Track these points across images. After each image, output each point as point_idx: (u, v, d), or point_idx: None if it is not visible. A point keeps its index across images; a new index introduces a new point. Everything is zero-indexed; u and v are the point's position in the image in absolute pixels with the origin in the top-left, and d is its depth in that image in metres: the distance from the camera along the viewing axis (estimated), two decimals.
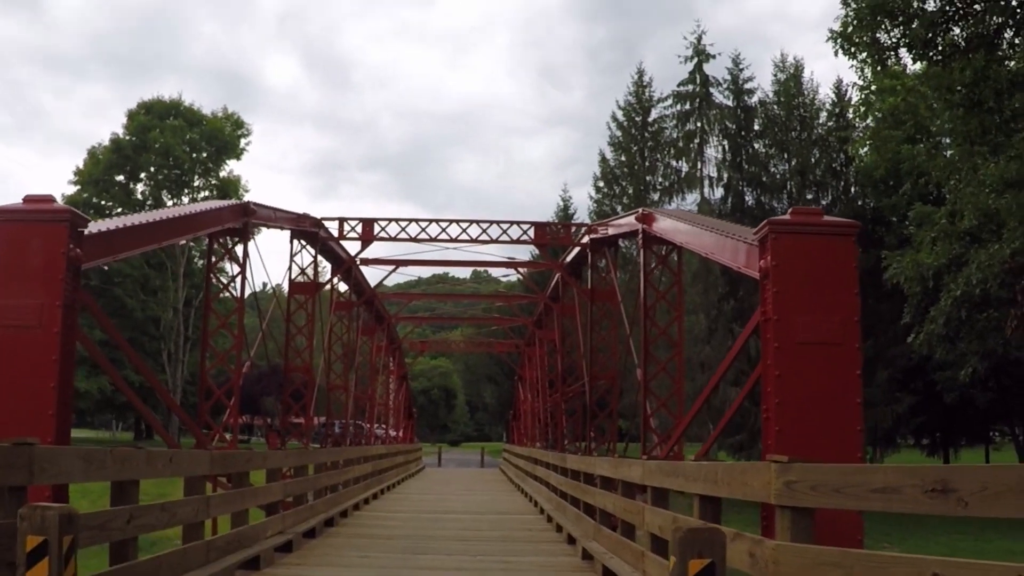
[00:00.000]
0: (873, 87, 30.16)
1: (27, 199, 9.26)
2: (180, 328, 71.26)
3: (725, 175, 50.32)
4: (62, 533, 4.34)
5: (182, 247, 70.44)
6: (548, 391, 38.43)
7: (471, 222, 27.25)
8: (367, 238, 26.73)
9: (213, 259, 18.85)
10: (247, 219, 17.07)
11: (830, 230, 9.05)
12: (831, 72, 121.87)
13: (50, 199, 9.63)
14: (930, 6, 19.70)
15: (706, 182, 50.92)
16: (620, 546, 11.85)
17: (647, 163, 55.68)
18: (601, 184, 58.70)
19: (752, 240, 9.59)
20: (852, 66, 21.72)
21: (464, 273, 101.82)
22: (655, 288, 17.98)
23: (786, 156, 49.69)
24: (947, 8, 19.64)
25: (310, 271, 24.88)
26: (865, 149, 41.11)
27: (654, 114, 56.66)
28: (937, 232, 26.39)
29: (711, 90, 51.40)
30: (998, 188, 23.88)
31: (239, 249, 17.35)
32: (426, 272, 49.43)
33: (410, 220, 27.05)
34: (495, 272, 52.26)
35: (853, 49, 20.76)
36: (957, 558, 5.39)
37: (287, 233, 23.40)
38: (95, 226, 10.23)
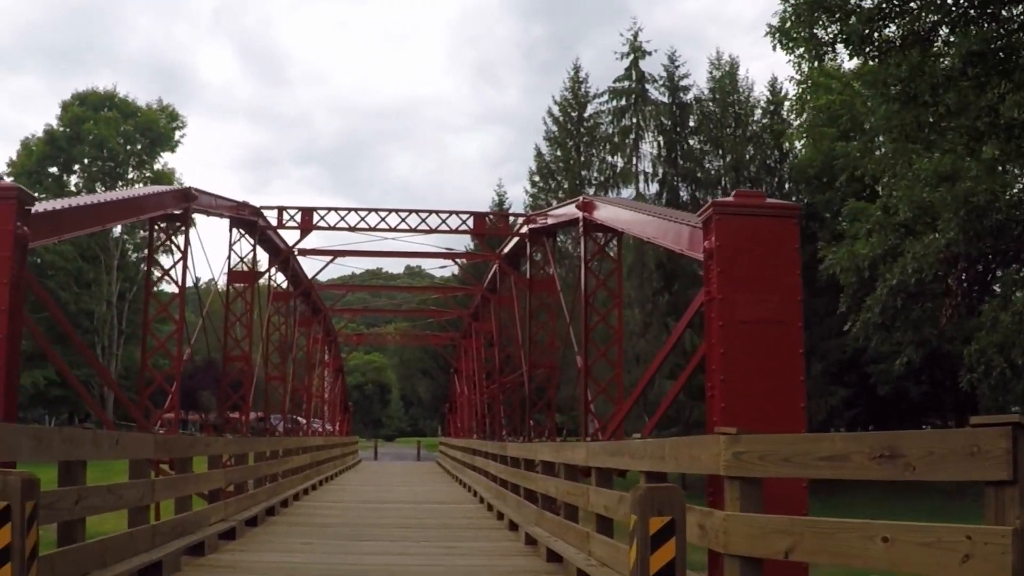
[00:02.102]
0: (809, 82, 30.57)
1: None
2: (114, 322, 70.39)
3: (660, 170, 50.70)
4: (24, 498, 4.34)
5: (116, 240, 69.69)
6: (485, 383, 38.51)
7: (410, 211, 27.30)
8: (306, 227, 26.66)
9: (154, 245, 18.65)
10: (188, 204, 17.03)
11: (772, 211, 9.19)
12: (766, 71, 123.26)
13: None
14: (867, 3, 20.00)
15: (641, 177, 51.35)
16: (564, 529, 11.95)
17: (583, 158, 56.08)
18: (537, 179, 59.04)
19: (696, 222, 9.72)
20: (789, 61, 21.99)
21: (398, 269, 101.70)
22: (595, 275, 18.13)
23: (721, 152, 50.16)
24: (883, 5, 19.94)
25: (249, 260, 24.80)
26: (801, 143, 41.64)
27: (590, 109, 57.19)
28: (872, 224, 26.83)
29: (647, 86, 51.82)
30: (932, 182, 24.38)
31: (180, 236, 17.33)
32: (360, 267, 49.13)
33: (349, 209, 27.10)
34: (428, 267, 52.29)
35: (791, 44, 21.01)
36: (904, 521, 5.54)
37: (224, 224, 23.32)
38: (42, 205, 10.14)
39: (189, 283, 18.12)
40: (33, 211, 9.51)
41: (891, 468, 5.34)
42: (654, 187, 50.71)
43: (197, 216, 18.18)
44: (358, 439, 63.93)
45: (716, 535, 6.62)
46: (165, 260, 18.64)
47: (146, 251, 71.79)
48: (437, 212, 27.50)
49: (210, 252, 29.90)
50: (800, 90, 33.12)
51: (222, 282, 24.40)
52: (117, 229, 71.06)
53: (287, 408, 32.62)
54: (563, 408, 29.99)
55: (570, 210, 18.79)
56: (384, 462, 58.80)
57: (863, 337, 28.18)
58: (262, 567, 11.51)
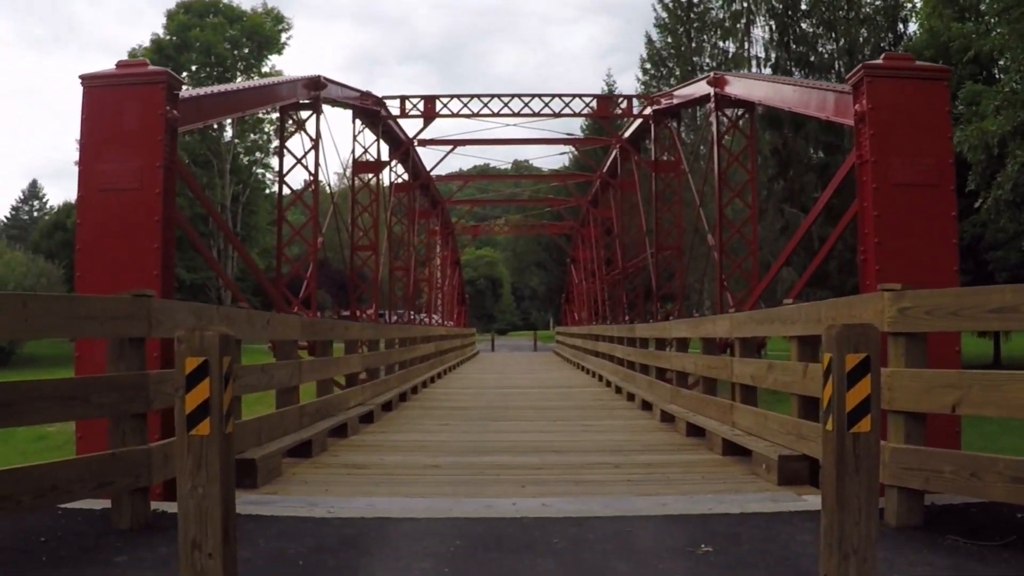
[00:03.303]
0: None
1: (120, 64, 9.21)
2: (228, 225, 71.44)
3: (773, 55, 49.39)
4: (222, 353, 4.44)
5: (227, 144, 70.43)
6: (605, 271, 38.41)
7: (533, 96, 27.08)
8: (429, 115, 26.53)
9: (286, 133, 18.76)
10: (318, 92, 17.24)
11: (923, 74, 8.97)
12: None
13: (144, 63, 9.63)
14: None
15: (753, 63, 50.13)
16: (703, 404, 11.97)
17: (694, 44, 54.99)
18: (648, 67, 58.09)
19: (844, 88, 9.57)
20: None
21: (505, 165, 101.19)
22: (728, 152, 17.89)
23: (834, 35, 48.63)
24: None
25: (373, 151, 24.90)
26: (916, 25, 40.30)
27: None
28: (1001, 101, 25.99)
29: None
30: None
31: (311, 126, 17.64)
32: (467, 165, 49.16)
33: (472, 96, 26.84)
34: (537, 162, 51.89)
35: None
36: None
37: (344, 120, 23.45)
38: (186, 92, 10.25)
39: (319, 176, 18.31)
40: (179, 96, 9.63)
41: None
42: (767, 72, 49.56)
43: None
44: (475, 331, 64.53)
45: (880, 392, 6.57)
46: (287, 157, 18.76)
47: (258, 155, 74.41)
48: (560, 96, 27.13)
49: (329, 148, 30.10)
50: None
51: (345, 175, 24.60)
52: (228, 133, 71.91)
53: (411, 302, 32.88)
54: (688, 302, 29.87)
55: (700, 87, 18.52)
56: (502, 353, 59.30)
57: (994, 213, 27.42)
58: (407, 445, 11.73)
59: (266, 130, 73.75)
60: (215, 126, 74.52)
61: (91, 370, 7.75)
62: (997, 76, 29.07)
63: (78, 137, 9.26)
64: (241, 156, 74.24)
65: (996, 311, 5.71)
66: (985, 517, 6.43)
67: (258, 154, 77.29)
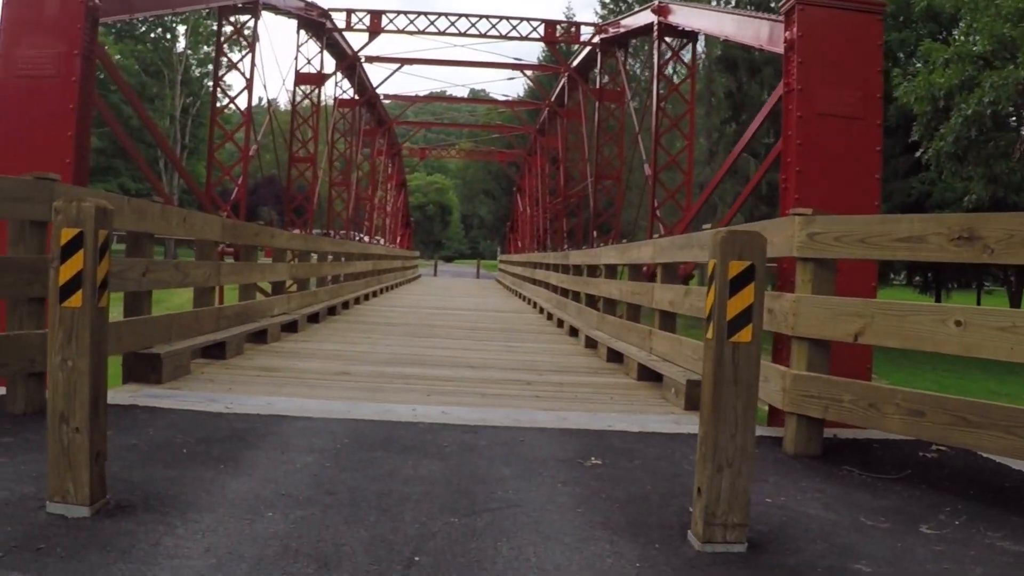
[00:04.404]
0: None
1: None
2: (177, 136, 70.65)
3: None
4: (97, 226, 4.32)
5: (179, 55, 69.44)
6: (548, 200, 38.36)
7: (480, 16, 26.69)
8: (375, 30, 26.23)
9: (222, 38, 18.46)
10: None
11: (856, 6, 8.83)
12: None
13: None
14: None
15: (713, 1, 49.87)
16: (625, 330, 11.96)
17: None
18: (607, 0, 57.75)
19: (776, 17, 9.49)
20: None
21: (462, 92, 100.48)
22: (667, 79, 17.86)
23: None
24: None
25: (316, 62, 24.57)
26: None
27: None
28: (950, 54, 26.04)
29: None
30: (1014, 19, 23.65)
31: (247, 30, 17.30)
32: (424, 89, 48.72)
33: (419, 13, 26.53)
34: (493, 91, 51.62)
35: None
36: (977, 306, 5.44)
37: (289, 31, 23.09)
38: None
39: (256, 81, 18.01)
40: None
41: (969, 250, 5.23)
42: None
43: (262, 24, 18.03)
44: (418, 253, 64.31)
45: (785, 317, 6.55)
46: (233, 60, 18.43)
47: (210, 67, 73.18)
48: (507, 18, 26.81)
49: (273, 61, 29.54)
50: None
51: (289, 85, 24.30)
52: (180, 44, 70.87)
53: (349, 221, 32.64)
54: (627, 232, 29.91)
55: (644, 15, 18.44)
56: (444, 278, 59.25)
57: (934, 165, 27.55)
58: (324, 353, 11.67)
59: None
60: (168, 36, 73.50)
61: None
62: (955, 35, 29.14)
63: None
64: (194, 68, 73.25)
65: (904, 240, 5.66)
66: (886, 453, 6.45)
67: (210, 66, 76.37)
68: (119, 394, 7.28)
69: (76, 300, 4.25)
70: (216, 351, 10.02)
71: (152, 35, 75.79)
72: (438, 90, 62.23)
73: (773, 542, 4.31)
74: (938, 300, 39.31)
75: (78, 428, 4.22)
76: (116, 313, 6.29)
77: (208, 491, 4.70)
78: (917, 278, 47.89)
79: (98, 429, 4.31)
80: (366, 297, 24.01)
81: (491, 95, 68.05)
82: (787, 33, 8.79)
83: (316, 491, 4.80)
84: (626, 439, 6.54)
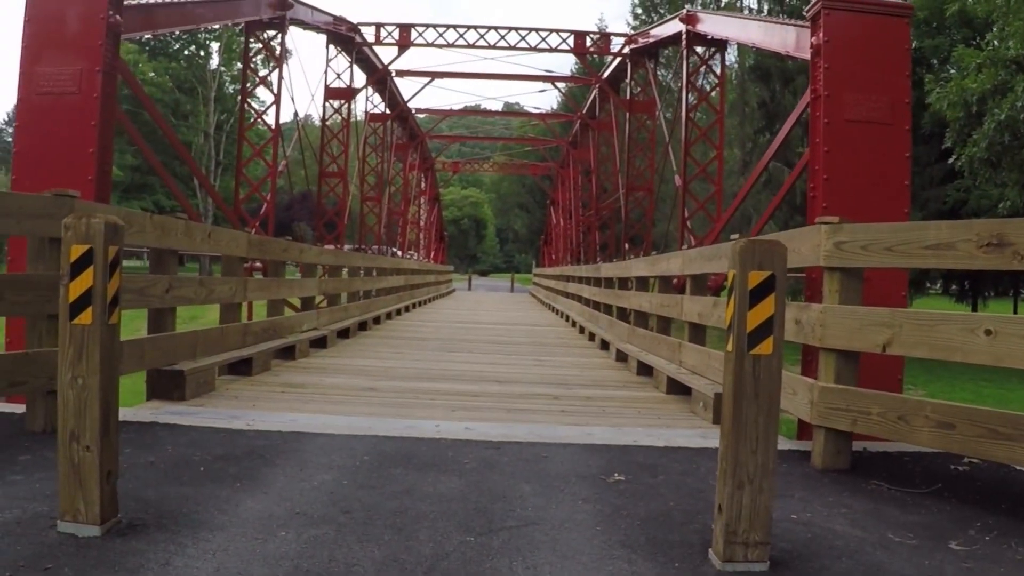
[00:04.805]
0: None
1: None
2: (211, 153, 70.97)
3: (765, 6, 49.05)
4: (107, 243, 4.27)
5: (213, 72, 69.83)
6: (581, 212, 38.30)
7: (510, 29, 26.60)
8: (404, 43, 26.27)
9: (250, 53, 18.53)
10: (284, 12, 16.91)
11: (884, 9, 8.75)
12: None
13: None
14: None
15: (746, 11, 49.70)
16: (655, 343, 11.86)
17: None
18: (639, 11, 57.68)
19: (802, 22, 9.40)
20: None
21: (496, 106, 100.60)
22: (696, 88, 17.78)
23: None
24: None
25: (346, 77, 24.62)
26: None
27: None
28: (983, 59, 25.78)
29: None
30: None
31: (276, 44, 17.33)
32: (457, 103, 48.86)
33: (448, 26, 26.53)
34: (526, 103, 51.73)
35: None
36: (1012, 315, 5.32)
37: (319, 48, 23.19)
38: None
39: (285, 96, 18.08)
40: (125, 2, 9.43)
41: (999, 257, 5.10)
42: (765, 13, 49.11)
43: (291, 40, 18.10)
44: (452, 268, 64.32)
45: (812, 328, 6.43)
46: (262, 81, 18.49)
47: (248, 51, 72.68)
48: (537, 30, 26.77)
49: (303, 78, 29.62)
50: None
51: (319, 100, 24.42)
52: (214, 62, 71.24)
53: (382, 235, 32.64)
54: (659, 244, 29.85)
55: (673, 24, 18.42)
56: (478, 292, 59.23)
57: (968, 171, 27.24)
58: (351, 368, 11.61)
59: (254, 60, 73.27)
60: (201, 53, 73.88)
61: (19, 270, 7.64)
62: (988, 38, 28.88)
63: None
64: (227, 84, 73.61)
65: (932, 247, 5.55)
66: (916, 466, 6.32)
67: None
68: (140, 411, 7.26)
69: (86, 317, 4.21)
70: (243, 367, 10.00)
71: (186, 52, 76.32)
72: (471, 104, 62.24)
73: (797, 560, 4.21)
74: (974, 309, 38.81)
75: (88, 446, 4.18)
76: (139, 329, 6.25)
77: (222, 510, 4.64)
78: (953, 287, 47.41)
79: (109, 447, 4.26)
80: (398, 312, 24.00)
81: (524, 108, 68.17)
82: (813, 38, 8.71)
83: (331, 509, 4.74)
84: (651, 454, 6.44)
